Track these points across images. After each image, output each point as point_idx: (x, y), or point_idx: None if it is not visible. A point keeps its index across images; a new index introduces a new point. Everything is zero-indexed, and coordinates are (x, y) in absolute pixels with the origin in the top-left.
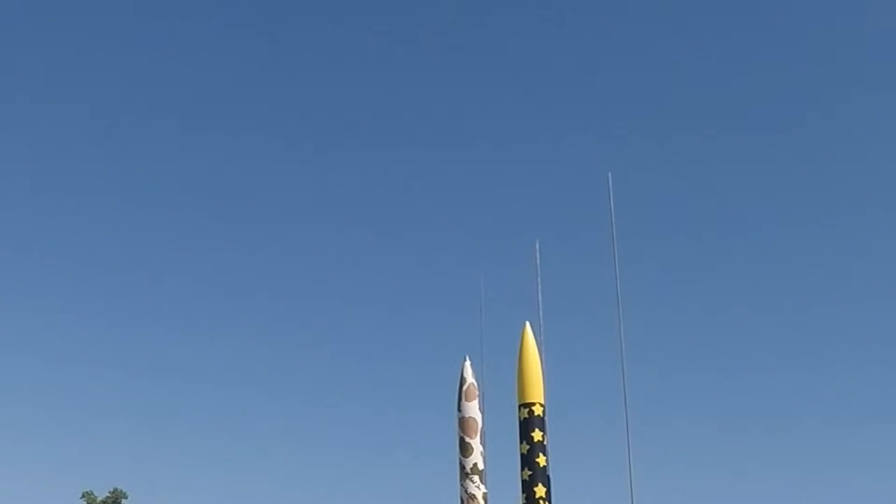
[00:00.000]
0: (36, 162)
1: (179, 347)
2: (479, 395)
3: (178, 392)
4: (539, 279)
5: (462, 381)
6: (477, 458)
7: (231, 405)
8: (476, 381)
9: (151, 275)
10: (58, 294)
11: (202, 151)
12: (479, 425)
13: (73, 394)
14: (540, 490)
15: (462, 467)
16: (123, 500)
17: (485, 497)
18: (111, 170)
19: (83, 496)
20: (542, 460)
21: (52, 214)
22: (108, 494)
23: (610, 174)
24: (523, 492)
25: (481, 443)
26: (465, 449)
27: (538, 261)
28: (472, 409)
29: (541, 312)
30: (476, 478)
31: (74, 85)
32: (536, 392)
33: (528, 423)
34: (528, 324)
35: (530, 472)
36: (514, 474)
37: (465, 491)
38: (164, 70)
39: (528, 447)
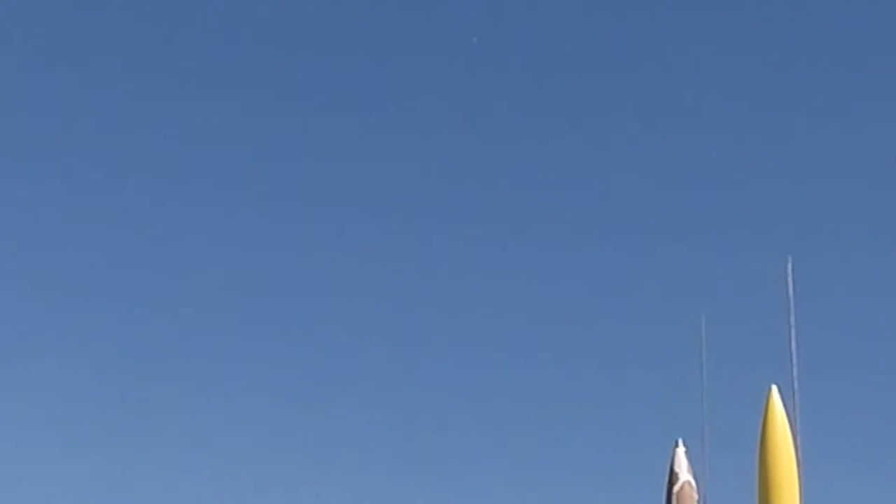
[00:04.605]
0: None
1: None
2: (698, 499)
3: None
4: (792, 318)
5: (672, 477)
6: None
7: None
8: (694, 477)
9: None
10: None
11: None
12: None
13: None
14: None
15: None
16: None
17: None
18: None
19: None
20: None
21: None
22: None
23: None
24: None
25: None
26: None
27: (790, 291)
28: None
29: (794, 370)
30: None
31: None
32: (788, 493)
33: None
34: (774, 388)
35: None
36: None
37: None
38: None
39: None
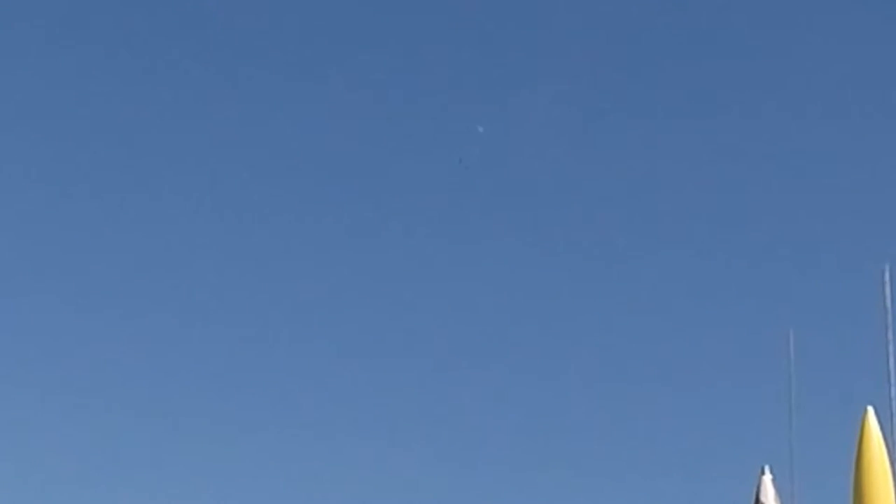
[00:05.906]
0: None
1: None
2: None
3: None
4: (889, 332)
5: None
6: None
7: None
8: None
9: None
10: None
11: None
12: None
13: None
14: None
15: None
16: None
17: None
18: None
19: None
20: None
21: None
22: None
23: None
24: None
25: None
26: None
27: (888, 301)
28: None
29: (892, 390)
30: None
31: None
32: None
33: None
34: (870, 410)
35: None
36: None
37: None
38: None
39: None
